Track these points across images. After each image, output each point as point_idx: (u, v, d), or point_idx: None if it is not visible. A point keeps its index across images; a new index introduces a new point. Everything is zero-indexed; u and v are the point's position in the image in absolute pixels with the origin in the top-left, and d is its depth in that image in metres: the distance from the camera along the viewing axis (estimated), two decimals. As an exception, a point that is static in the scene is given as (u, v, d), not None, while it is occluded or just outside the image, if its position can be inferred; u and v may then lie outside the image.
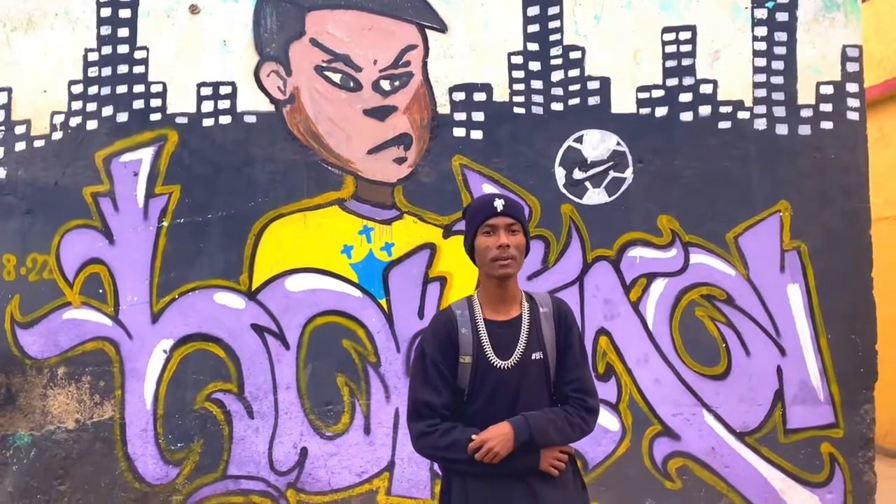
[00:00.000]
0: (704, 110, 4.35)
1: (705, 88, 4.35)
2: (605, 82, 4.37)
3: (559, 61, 4.37)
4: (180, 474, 4.30)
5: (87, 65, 4.45)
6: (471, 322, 2.58)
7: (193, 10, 4.42)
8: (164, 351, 4.34)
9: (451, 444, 2.49)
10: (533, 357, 2.54)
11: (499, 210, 2.52)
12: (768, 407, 4.26)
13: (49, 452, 4.35)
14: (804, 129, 4.34)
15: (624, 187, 4.32)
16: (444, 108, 4.37)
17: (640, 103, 4.36)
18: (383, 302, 4.32)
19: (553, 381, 2.59)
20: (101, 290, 4.37)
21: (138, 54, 4.43)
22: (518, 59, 4.38)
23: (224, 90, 4.40)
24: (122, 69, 4.44)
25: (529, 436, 2.44)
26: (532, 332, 2.57)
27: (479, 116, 4.36)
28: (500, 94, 4.37)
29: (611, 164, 4.33)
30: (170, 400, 4.32)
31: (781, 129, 4.33)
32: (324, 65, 4.38)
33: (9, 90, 4.47)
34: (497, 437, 2.43)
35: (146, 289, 4.36)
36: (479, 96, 4.37)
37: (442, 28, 4.38)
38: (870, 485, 4.24)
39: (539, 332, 2.57)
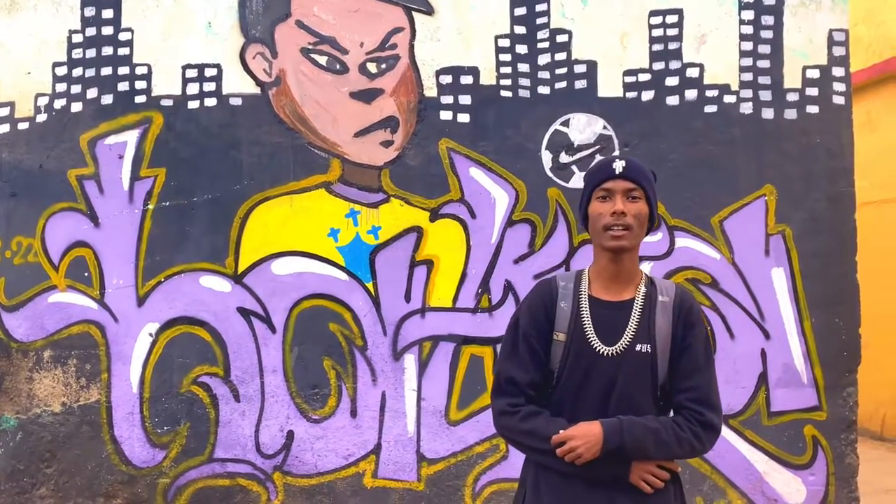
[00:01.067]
0: (691, 94, 4.35)
1: (692, 72, 4.35)
2: (592, 66, 4.36)
3: (546, 44, 4.36)
4: (167, 457, 4.31)
5: (71, 46, 4.42)
6: (574, 296, 2.28)
7: (178, -9, 4.39)
8: (150, 334, 4.33)
9: (531, 431, 2.24)
10: (638, 348, 2.22)
11: (617, 172, 2.21)
12: (752, 390, 4.28)
13: (35, 435, 4.35)
14: (790, 114, 4.34)
15: (610, 171, 4.31)
16: (430, 91, 4.36)
17: (627, 87, 4.36)
18: (370, 285, 4.32)
19: (661, 383, 2.26)
20: (86, 274, 4.36)
21: (123, 36, 4.39)
22: (505, 42, 4.37)
23: (209, 72, 4.37)
24: (107, 51, 4.40)
25: (620, 444, 2.13)
26: (644, 319, 2.25)
27: (465, 100, 4.35)
28: (487, 78, 4.36)
29: (597, 147, 4.33)
30: (156, 383, 4.32)
31: (767, 114, 4.34)
32: (310, 47, 4.35)
33: (-8, 72, 4.44)
34: (583, 437, 2.14)
35: (132, 272, 4.35)
36: (466, 79, 4.36)
37: (429, 10, 4.36)
38: (852, 467, 4.28)
39: (651, 322, 2.25)
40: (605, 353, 2.23)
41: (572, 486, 2.20)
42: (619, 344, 2.23)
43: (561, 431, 2.17)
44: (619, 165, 2.22)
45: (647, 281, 2.32)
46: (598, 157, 4.31)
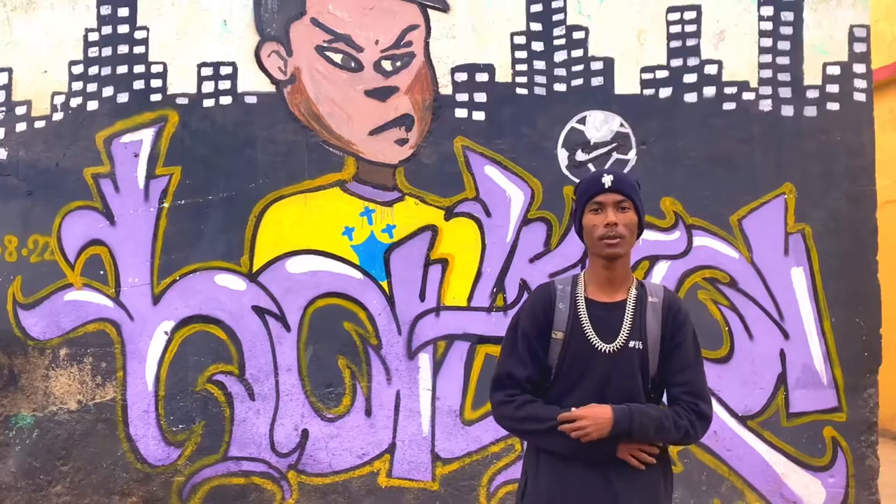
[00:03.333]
0: (709, 91, 4.30)
1: (710, 69, 4.30)
2: (609, 63, 4.32)
3: (562, 41, 4.33)
4: (182, 455, 4.31)
5: (87, 45, 4.43)
6: (571, 298, 2.47)
7: (194, -11, 4.39)
8: (166, 332, 4.34)
9: (528, 417, 2.43)
10: (632, 345, 2.40)
11: (606, 186, 2.39)
12: (771, 391, 4.23)
13: (51, 433, 4.37)
14: (810, 111, 4.28)
15: (627, 169, 4.28)
16: (445, 88, 4.33)
17: (644, 84, 4.31)
18: (384, 284, 4.31)
19: (653, 377, 2.43)
20: (102, 272, 4.37)
21: (138, 34, 4.40)
22: (521, 40, 4.34)
23: (225, 70, 4.37)
24: (123, 49, 4.41)
25: (629, 428, 2.30)
26: (636, 319, 2.42)
27: (481, 97, 4.32)
28: (503, 75, 4.33)
29: (614, 145, 4.29)
30: (171, 381, 4.33)
31: (787, 111, 4.28)
32: (325, 45, 4.34)
33: (9, 71, 4.46)
34: (594, 418, 2.31)
35: (147, 270, 4.35)
36: (482, 77, 4.33)
37: (444, 7, 4.33)
38: (872, 469, 4.22)
39: (643, 321, 2.42)
40: (603, 350, 2.40)
41: (570, 466, 2.38)
42: (616, 341, 2.40)
43: (573, 409, 2.34)
44: (607, 180, 2.40)
45: (638, 284, 2.50)
46: (615, 155, 4.28)
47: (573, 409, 2.35)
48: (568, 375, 2.44)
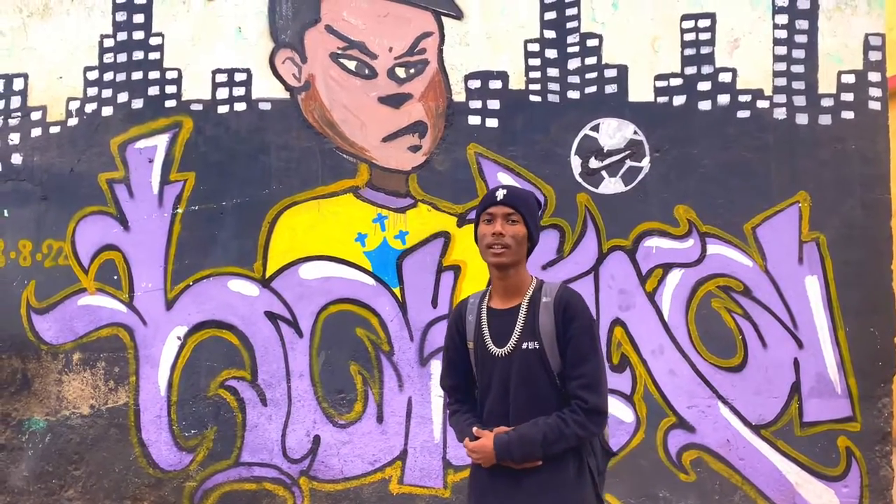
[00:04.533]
0: (723, 99, 4.28)
1: (724, 77, 4.29)
2: (623, 70, 4.31)
3: (576, 49, 4.32)
4: (194, 461, 4.32)
5: (102, 51, 4.46)
6: (477, 310, 2.65)
7: (209, -4, 4.41)
8: (178, 338, 4.34)
9: (456, 429, 2.69)
10: (525, 346, 2.52)
11: (498, 199, 2.54)
12: (784, 399, 4.20)
13: (64, 437, 4.38)
14: (825, 119, 4.26)
15: (640, 177, 4.27)
16: (459, 95, 4.33)
17: (658, 92, 4.30)
18: (397, 290, 4.31)
19: (558, 372, 2.53)
20: (115, 277, 4.39)
21: (153, 41, 4.43)
22: (534, 47, 4.34)
23: (239, 77, 4.39)
24: (138, 55, 4.44)
25: (510, 457, 2.46)
26: (528, 321, 2.55)
27: (494, 104, 4.32)
28: (517, 82, 4.33)
29: (627, 153, 4.28)
30: (184, 386, 4.34)
31: (801, 119, 4.26)
32: (339, 52, 4.35)
33: (25, 76, 4.50)
34: (479, 451, 2.51)
35: (161, 275, 4.37)
36: (495, 84, 4.33)
37: (458, 15, 4.34)
38: (887, 479, 4.18)
39: (536, 322, 2.53)
40: (497, 354, 2.56)
41: (485, 470, 2.55)
42: (508, 345, 2.54)
43: (466, 440, 2.57)
44: (500, 194, 2.54)
45: (537, 287, 2.62)
46: (628, 163, 4.28)
47: (475, 429, 2.56)
48: (482, 380, 2.63)
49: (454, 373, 2.74)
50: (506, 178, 4.28)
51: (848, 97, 4.26)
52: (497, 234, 2.51)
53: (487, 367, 2.59)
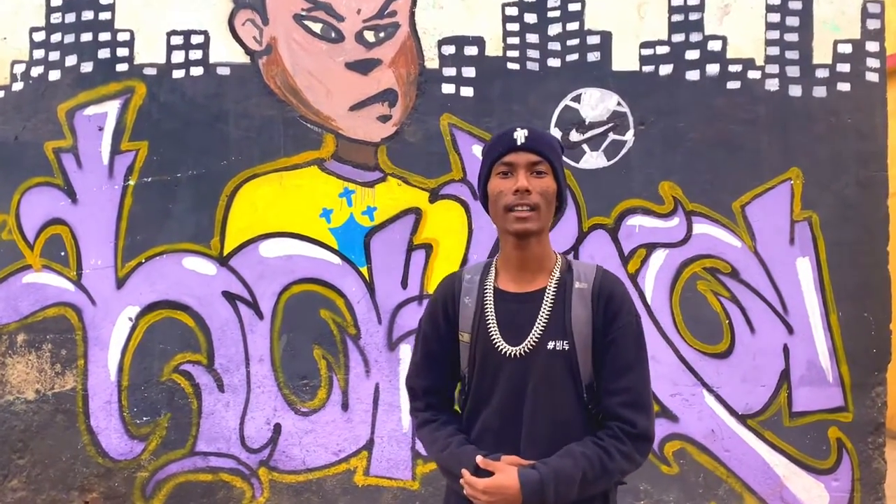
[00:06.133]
0: (712, 69, 4.06)
1: (714, 45, 4.06)
2: (606, 37, 4.07)
3: (557, 13, 4.07)
4: (146, 450, 4.07)
5: (49, 10, 4.17)
6: (478, 290, 2.04)
7: (164, -48, 4.11)
8: (130, 318, 4.08)
9: (436, 449, 2.04)
10: (551, 346, 1.93)
11: (519, 143, 1.94)
12: (773, 388, 4.01)
13: (7, 424, 4.12)
14: (819, 91, 4.05)
15: (624, 151, 4.05)
16: (432, 62, 4.08)
17: (644, 60, 4.07)
18: (364, 270, 4.06)
19: (587, 384, 1.96)
20: (63, 253, 4.12)
21: (104, 0, 4.13)
22: (513, 11, 4.08)
23: (196, 40, 4.11)
24: (87, 16, 4.15)
25: (543, 501, 1.82)
26: (556, 312, 1.96)
27: (469, 72, 4.07)
28: (493, 49, 4.08)
29: (610, 125, 4.05)
30: (135, 371, 4.08)
31: (795, 91, 4.05)
32: (303, 13, 4.08)
33: (-35, 37, 4.19)
34: (496, 492, 1.83)
35: (111, 252, 4.10)
36: (471, 50, 4.08)
37: (431, -25, 4.08)
38: (879, 472, 4.01)
39: (566, 314, 1.95)
40: (509, 354, 1.95)
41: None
42: (525, 342, 1.94)
43: (466, 474, 1.88)
44: (520, 135, 1.95)
45: (565, 266, 2.03)
46: (611, 136, 4.04)
47: (479, 458, 1.89)
48: (479, 386, 2.01)
49: (432, 371, 2.11)
50: (481, 152, 4.02)
51: (844, 68, 4.05)
52: (521, 192, 1.92)
53: (489, 371, 1.99)
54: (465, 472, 1.89)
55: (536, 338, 1.94)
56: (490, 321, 1.98)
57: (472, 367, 2.02)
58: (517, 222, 1.92)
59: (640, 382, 1.95)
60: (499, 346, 1.96)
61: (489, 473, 1.86)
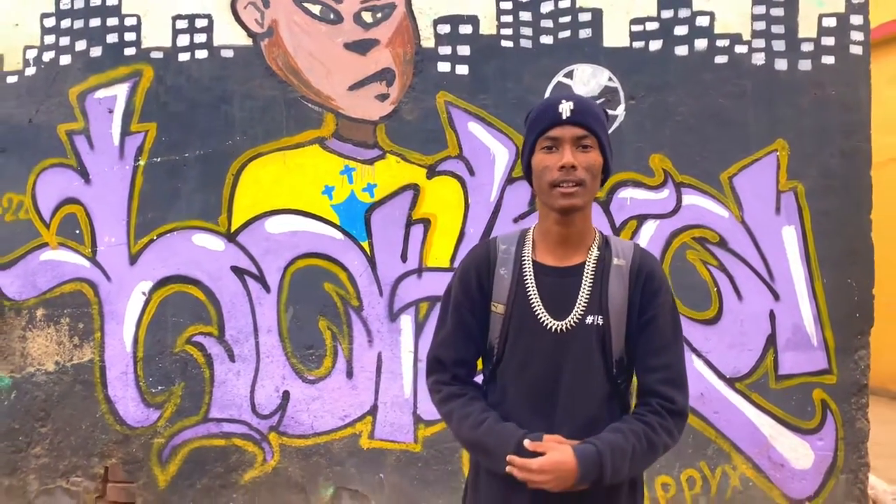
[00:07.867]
0: (700, 44, 4.14)
1: (702, 21, 4.14)
2: (598, 14, 4.16)
3: (549, -8, 4.17)
4: (161, 417, 4.26)
5: (58, -3, 4.30)
6: (515, 262, 2.00)
7: (167, -62, 4.23)
8: (143, 293, 4.25)
9: (469, 427, 1.96)
10: (588, 321, 1.93)
11: (564, 117, 1.87)
12: (760, 352, 4.13)
13: (30, 394, 4.31)
14: (804, 65, 4.12)
15: (615, 125, 4.15)
16: (428, 41, 4.18)
17: (634, 36, 4.15)
18: (365, 244, 4.20)
19: (618, 359, 1.97)
20: (77, 231, 4.28)
21: (111, -15, 4.26)
22: (506, -10, 4.17)
23: (200, 23, 4.23)
24: (95, 1, 4.29)
25: (598, 479, 1.81)
26: (595, 287, 1.95)
27: (464, 50, 4.17)
28: (488, 27, 4.18)
29: (602, 100, 4.15)
30: (149, 342, 4.26)
31: (780, 65, 4.12)
32: (303, -4, 4.19)
33: (-21, 24, 4.33)
34: (554, 470, 1.78)
35: (123, 230, 4.26)
36: (465, 29, 4.18)
37: (426, -43, 4.17)
38: (862, 432, 4.14)
39: (604, 290, 1.95)
40: (553, 329, 1.93)
41: (515, 490, 1.91)
42: (570, 317, 1.93)
43: (513, 458, 1.82)
44: (566, 108, 1.87)
45: (602, 242, 2.03)
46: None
47: (527, 442, 1.84)
48: (512, 358, 1.98)
49: (464, 343, 2.04)
50: (476, 128, 4.16)
51: (829, 41, 4.12)
52: (567, 167, 1.87)
53: (524, 343, 1.96)
54: (512, 457, 1.83)
55: (581, 313, 1.94)
56: (532, 294, 1.96)
57: (503, 339, 1.99)
58: (563, 198, 1.89)
59: (678, 360, 1.98)
60: (543, 320, 1.94)
61: (531, 453, 1.83)
